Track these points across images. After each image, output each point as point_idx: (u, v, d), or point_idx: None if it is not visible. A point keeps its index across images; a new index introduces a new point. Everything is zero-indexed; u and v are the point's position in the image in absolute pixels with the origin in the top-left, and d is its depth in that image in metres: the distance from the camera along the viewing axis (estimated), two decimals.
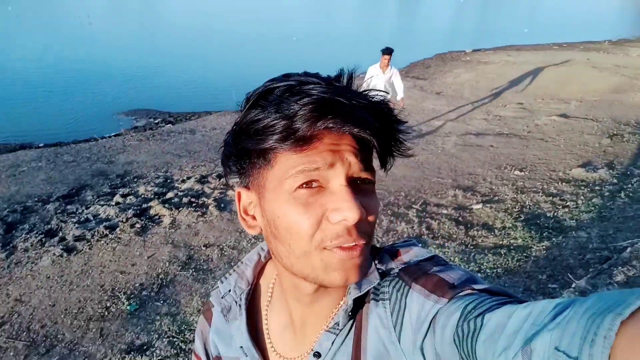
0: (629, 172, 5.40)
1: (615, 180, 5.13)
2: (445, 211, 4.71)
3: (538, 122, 8.01)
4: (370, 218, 0.52)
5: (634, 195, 4.61)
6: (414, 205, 4.88)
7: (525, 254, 3.57)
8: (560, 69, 12.77)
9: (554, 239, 3.79)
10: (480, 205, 4.73)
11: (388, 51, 6.31)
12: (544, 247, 3.65)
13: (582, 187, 5.04)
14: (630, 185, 4.91)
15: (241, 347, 0.64)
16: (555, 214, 4.41)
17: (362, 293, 0.55)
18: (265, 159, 0.51)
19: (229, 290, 0.66)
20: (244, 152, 0.53)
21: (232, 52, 17.08)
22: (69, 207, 4.79)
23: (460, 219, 4.52)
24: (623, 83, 10.89)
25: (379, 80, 6.40)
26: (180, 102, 10.77)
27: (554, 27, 23.63)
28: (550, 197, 4.82)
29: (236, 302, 0.66)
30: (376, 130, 0.49)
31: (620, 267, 2.89)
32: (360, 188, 0.51)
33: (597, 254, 3.36)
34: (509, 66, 13.74)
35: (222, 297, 0.67)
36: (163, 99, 11.04)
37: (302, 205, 0.49)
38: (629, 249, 3.17)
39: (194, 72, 13.83)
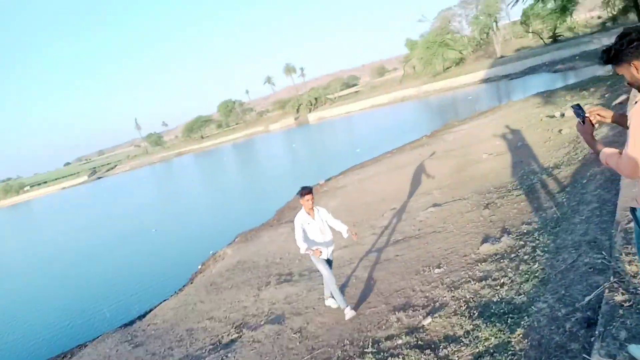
0: (525, 231, 5.73)
1: (521, 243, 5.35)
2: (400, 341, 4.26)
3: (420, 218, 8.40)
4: None
5: (548, 248, 4.79)
6: (366, 350, 4.34)
7: (510, 352, 3.25)
8: (406, 169, 14.17)
9: (521, 322, 3.57)
10: (429, 319, 4.40)
11: (308, 190, 5.36)
12: (520, 335, 3.38)
13: (500, 260, 5.11)
14: (537, 241, 5.14)
15: None
16: (500, 295, 4.28)
17: None
18: None
19: None
20: None
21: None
22: None
23: (420, 342, 4.10)
24: (460, 162, 12.43)
25: (313, 227, 5.44)
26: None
27: (378, 140, 27.02)
28: (483, 282, 4.75)
29: None
30: None
31: (608, 326, 2.72)
32: None
33: (574, 319, 3.20)
34: (364, 182, 14.84)
35: None
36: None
37: None
38: (603, 301, 3.07)
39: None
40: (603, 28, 42.52)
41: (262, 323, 6.32)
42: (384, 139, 26.81)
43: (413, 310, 4.80)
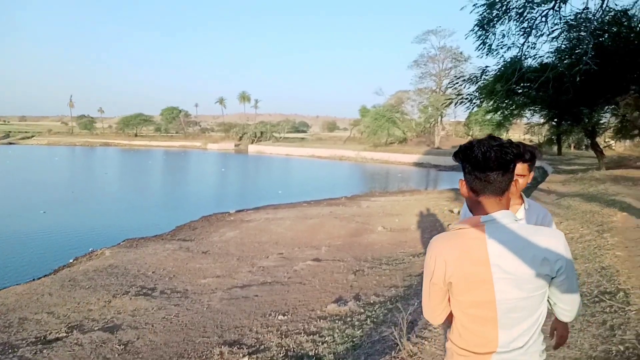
0: (372, 301, 6.08)
1: (362, 310, 5.68)
2: None
3: (296, 268, 8.61)
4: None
5: (377, 319, 5.13)
6: None
7: None
8: (310, 221, 14.53)
9: None
10: (246, 359, 4.49)
11: None
12: None
13: (337, 321, 5.37)
14: (373, 312, 5.48)
15: None
16: (317, 351, 4.49)
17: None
18: None
19: None
20: None
21: None
22: None
23: None
24: (358, 228, 12.99)
25: None
26: None
27: (303, 188, 27.52)
28: (311, 336, 4.95)
29: None
30: None
31: None
32: None
33: None
34: (269, 222, 14.97)
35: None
36: None
37: None
38: None
39: None
40: None
41: (95, 328, 6.07)
42: (308, 189, 27.40)
43: (238, 348, 4.87)
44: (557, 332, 1.87)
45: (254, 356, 4.56)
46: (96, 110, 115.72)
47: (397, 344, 3.67)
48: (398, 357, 3.51)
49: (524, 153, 2.13)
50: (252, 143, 75.27)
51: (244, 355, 4.63)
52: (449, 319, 1.58)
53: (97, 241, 13.43)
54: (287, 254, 10.20)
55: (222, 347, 4.93)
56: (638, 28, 16.62)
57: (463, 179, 1.48)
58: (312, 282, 7.45)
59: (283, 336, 5.08)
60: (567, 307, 1.49)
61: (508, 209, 1.46)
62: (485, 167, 1.39)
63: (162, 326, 5.92)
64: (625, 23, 16.41)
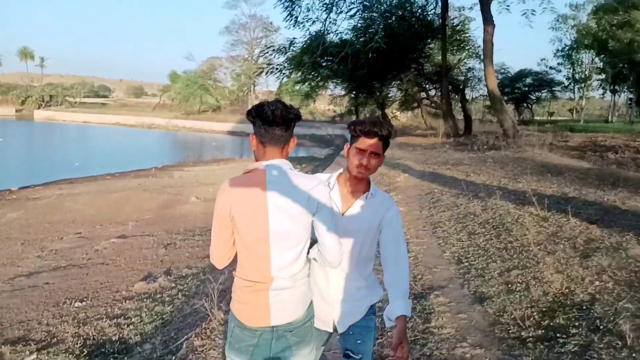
0: (184, 274, 5.90)
1: (173, 285, 5.46)
2: None
3: (98, 248, 7.79)
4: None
5: (189, 292, 5.01)
6: None
7: None
8: (115, 195, 13.27)
9: None
10: (33, 356, 3.90)
11: None
12: None
13: (145, 300, 5.07)
14: (185, 285, 5.33)
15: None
16: (121, 335, 4.16)
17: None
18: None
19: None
20: None
21: None
22: None
23: None
24: (170, 200, 12.39)
25: None
26: None
27: (105, 160, 24.88)
28: (115, 319, 4.56)
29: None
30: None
31: None
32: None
33: None
34: (63, 199, 13.15)
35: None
36: None
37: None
38: (184, 345, 3.27)
39: None
40: (332, 120, 51.26)
41: None
42: (112, 160, 24.86)
43: (24, 345, 4.20)
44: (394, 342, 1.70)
45: (45, 352, 3.99)
46: None
47: (209, 315, 3.64)
48: (209, 327, 3.49)
49: (381, 128, 1.79)
50: (39, 108, 64.42)
51: (31, 353, 4.01)
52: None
53: None
54: (86, 233, 9.14)
55: (2, 347, 4.18)
56: (417, 13, 19.27)
57: (254, 134, 1.73)
58: (117, 262, 6.85)
59: (81, 324, 4.56)
60: (329, 243, 1.69)
61: (286, 159, 1.73)
62: (272, 122, 1.65)
63: None
64: (408, 8, 18.83)
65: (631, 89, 42.55)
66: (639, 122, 40.72)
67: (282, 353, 1.72)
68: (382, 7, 18.13)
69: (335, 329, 1.91)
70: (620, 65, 37.03)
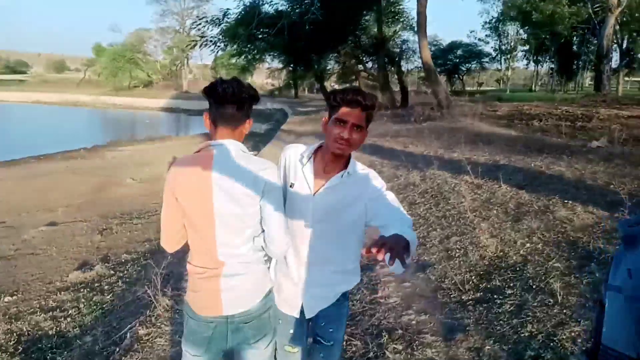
0: (123, 260, 5.66)
1: (112, 272, 5.23)
2: None
3: (26, 237, 7.27)
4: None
5: (130, 279, 4.82)
6: None
7: None
8: (41, 180, 12.40)
9: (58, 357, 3.32)
10: None
11: None
12: None
13: (82, 289, 4.81)
14: (125, 272, 5.12)
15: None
16: (59, 328, 3.94)
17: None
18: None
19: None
20: None
21: None
22: None
23: None
24: (104, 182, 11.77)
25: None
26: None
27: (27, 141, 23.04)
28: (50, 312, 4.31)
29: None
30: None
31: (124, 358, 2.79)
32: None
33: (105, 353, 3.17)
34: None
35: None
36: None
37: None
38: (128, 334, 3.15)
39: None
40: (270, 94, 50.55)
41: None
42: (34, 142, 23.05)
43: None
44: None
45: None
46: None
47: (153, 301, 3.52)
48: (154, 315, 3.38)
49: (365, 97, 1.61)
50: None
51: None
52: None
53: None
54: (11, 222, 8.49)
55: None
56: None
57: (208, 112, 1.65)
58: (48, 251, 6.44)
59: (13, 320, 4.26)
60: (273, 233, 1.62)
61: (240, 141, 1.65)
62: (223, 100, 1.59)
63: None
64: None
65: (552, 59, 45.19)
66: (559, 91, 43.73)
67: (239, 346, 1.67)
68: None
69: (302, 313, 1.76)
70: (543, 36, 39.16)
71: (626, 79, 42.13)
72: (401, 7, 24.69)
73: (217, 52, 23.06)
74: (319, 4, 16.71)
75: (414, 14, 19.11)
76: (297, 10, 18.92)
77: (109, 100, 50.01)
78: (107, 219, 8.00)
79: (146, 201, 9.49)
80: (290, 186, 1.72)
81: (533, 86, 52.10)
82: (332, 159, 1.68)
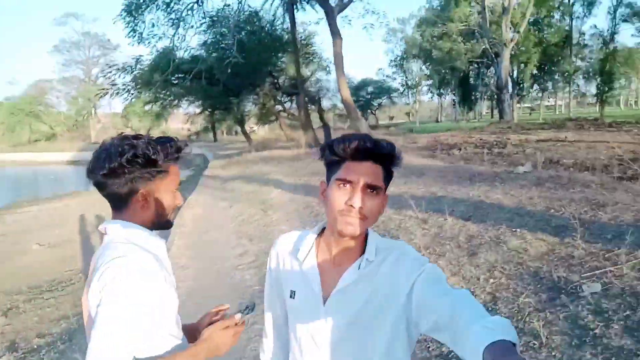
0: (35, 346, 4.79)
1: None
2: None
3: None
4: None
5: None
6: None
7: None
8: None
9: None
10: None
11: None
12: None
13: None
14: None
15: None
16: None
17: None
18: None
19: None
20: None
21: None
22: None
23: None
24: (4, 251, 10.32)
25: None
26: None
27: None
28: None
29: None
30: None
31: None
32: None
33: None
34: None
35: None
36: None
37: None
38: None
39: None
40: (188, 139, 49.17)
41: None
42: None
43: None
44: None
45: None
46: None
47: None
48: None
49: (377, 144, 1.09)
50: None
51: None
52: None
53: None
54: None
55: None
56: (266, 28, 19.41)
57: None
58: None
59: None
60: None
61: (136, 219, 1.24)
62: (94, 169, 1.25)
63: None
64: (257, 23, 18.86)
65: (454, 92, 49.02)
66: (462, 120, 47.35)
67: None
68: (230, 22, 17.85)
69: None
70: (444, 71, 42.53)
71: (518, 105, 46.64)
72: (314, 48, 25.55)
73: (130, 99, 22.04)
74: (235, 47, 16.66)
75: (325, 55, 19.74)
76: (213, 55, 18.72)
77: (7, 157, 45.66)
78: (12, 295, 6.87)
79: (58, 269, 8.38)
80: (290, 296, 1.20)
81: (439, 117, 56.07)
82: (341, 244, 1.14)
